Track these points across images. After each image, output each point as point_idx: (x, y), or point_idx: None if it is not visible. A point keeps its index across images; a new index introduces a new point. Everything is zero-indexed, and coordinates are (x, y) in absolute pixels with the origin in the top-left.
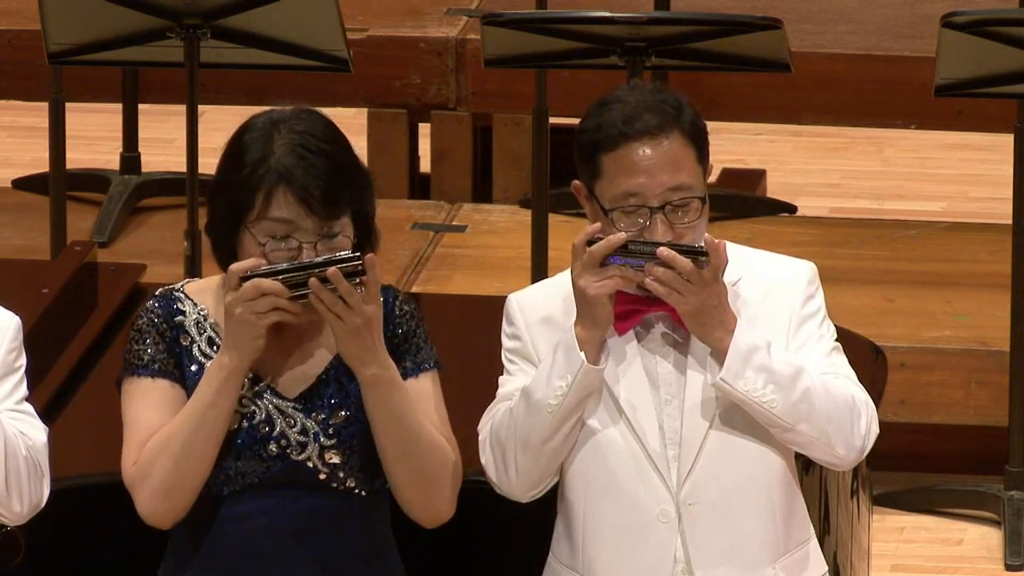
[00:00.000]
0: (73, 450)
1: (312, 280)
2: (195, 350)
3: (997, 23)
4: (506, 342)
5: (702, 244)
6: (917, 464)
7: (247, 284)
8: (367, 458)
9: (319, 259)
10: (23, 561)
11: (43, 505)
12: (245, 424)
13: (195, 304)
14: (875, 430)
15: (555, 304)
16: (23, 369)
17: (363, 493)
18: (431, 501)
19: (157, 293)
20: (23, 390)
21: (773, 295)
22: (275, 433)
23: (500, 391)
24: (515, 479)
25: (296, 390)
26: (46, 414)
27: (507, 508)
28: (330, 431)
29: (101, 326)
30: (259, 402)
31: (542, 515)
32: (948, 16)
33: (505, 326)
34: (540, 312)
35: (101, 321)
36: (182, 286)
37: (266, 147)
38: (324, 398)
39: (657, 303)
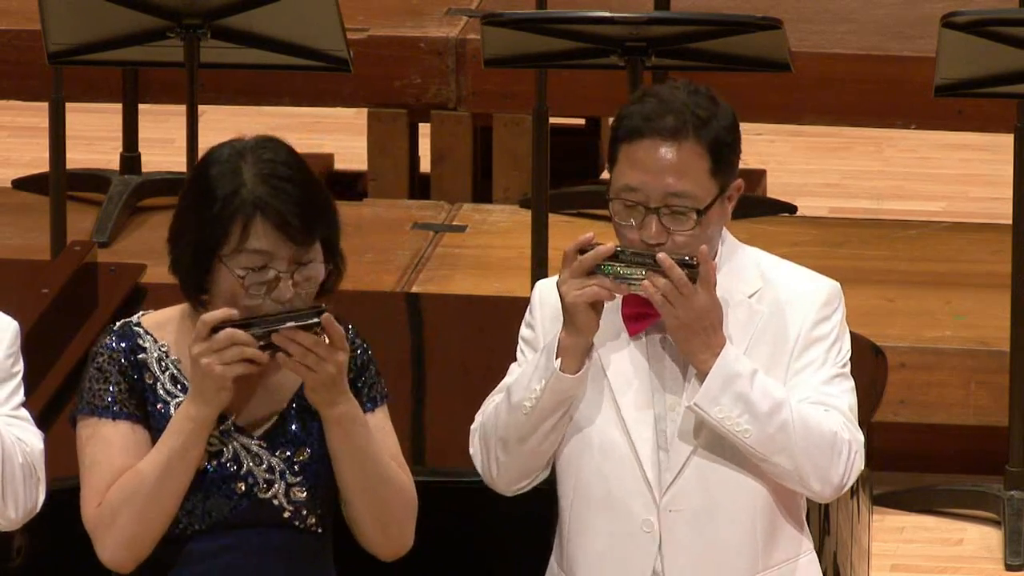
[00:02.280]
0: (72, 451)
1: (280, 339)
2: (159, 388)
3: (997, 23)
4: (522, 329)
5: (689, 256)
6: (917, 464)
7: (221, 334)
8: (326, 496)
9: (289, 312)
10: (22, 561)
11: (38, 510)
12: (213, 463)
13: (155, 340)
14: (859, 466)
15: None
16: (20, 375)
17: (319, 531)
18: (392, 535)
19: (114, 329)
20: (20, 395)
21: (787, 312)
22: (242, 471)
23: (503, 380)
24: (496, 474)
25: (260, 427)
26: (45, 414)
27: (508, 507)
28: (295, 468)
29: (101, 326)
30: (226, 441)
31: (543, 514)
32: (948, 16)
33: (527, 313)
34: (557, 306)
35: (101, 321)
36: (139, 320)
37: (236, 179)
38: (287, 435)
39: None
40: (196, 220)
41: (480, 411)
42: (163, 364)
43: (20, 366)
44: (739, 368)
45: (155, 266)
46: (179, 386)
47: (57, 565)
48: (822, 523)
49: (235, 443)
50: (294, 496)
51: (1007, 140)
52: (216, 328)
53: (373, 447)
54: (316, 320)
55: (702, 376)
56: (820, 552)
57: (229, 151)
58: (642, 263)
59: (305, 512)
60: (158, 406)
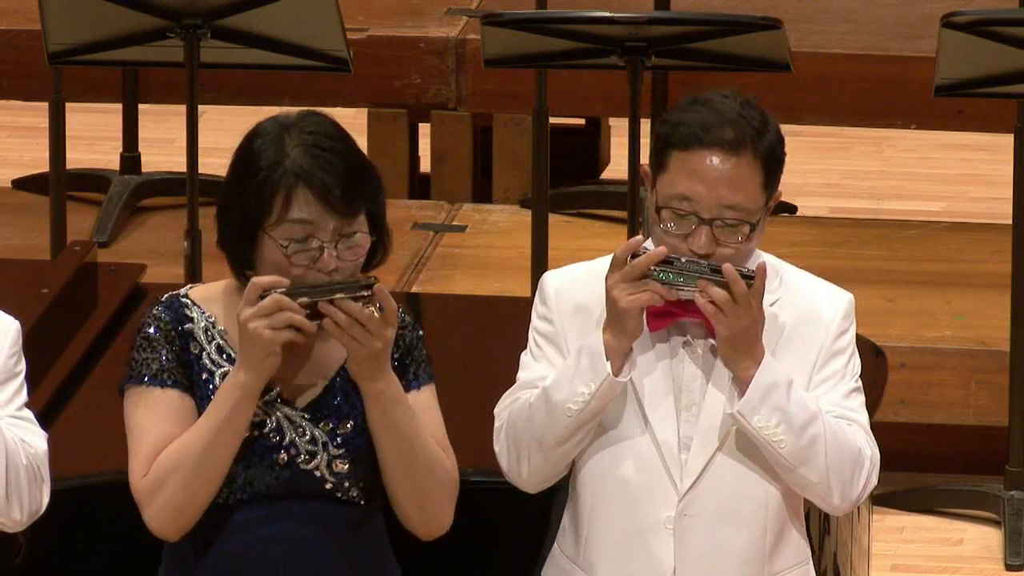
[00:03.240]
0: (72, 451)
1: (326, 307)
2: (205, 358)
3: (997, 23)
4: (536, 322)
5: (749, 268)
6: (917, 464)
7: (267, 299)
8: (369, 468)
9: (339, 282)
10: (22, 561)
11: (42, 511)
12: (256, 433)
13: (202, 311)
14: (873, 482)
15: (594, 296)
16: (23, 374)
17: (363, 503)
18: (428, 515)
19: (162, 300)
20: (23, 396)
21: (808, 324)
22: (285, 442)
23: (521, 375)
24: (526, 474)
25: (305, 399)
26: (46, 415)
27: (507, 507)
28: (338, 440)
29: (101, 326)
30: (270, 411)
31: (541, 514)
32: (948, 16)
33: (538, 305)
34: (576, 300)
35: (101, 321)
36: (186, 292)
37: (279, 150)
38: (332, 407)
39: (694, 309)
40: (240, 192)
41: (500, 409)
42: (209, 334)
43: (23, 366)
44: (778, 379)
45: (155, 266)
46: (225, 356)
47: (58, 564)
48: (822, 523)
49: (278, 414)
50: (336, 468)
51: (1007, 140)
52: (265, 294)
53: (411, 426)
54: (367, 293)
55: (743, 383)
56: (820, 552)
57: (273, 124)
58: (695, 271)
59: (347, 484)
60: (203, 376)
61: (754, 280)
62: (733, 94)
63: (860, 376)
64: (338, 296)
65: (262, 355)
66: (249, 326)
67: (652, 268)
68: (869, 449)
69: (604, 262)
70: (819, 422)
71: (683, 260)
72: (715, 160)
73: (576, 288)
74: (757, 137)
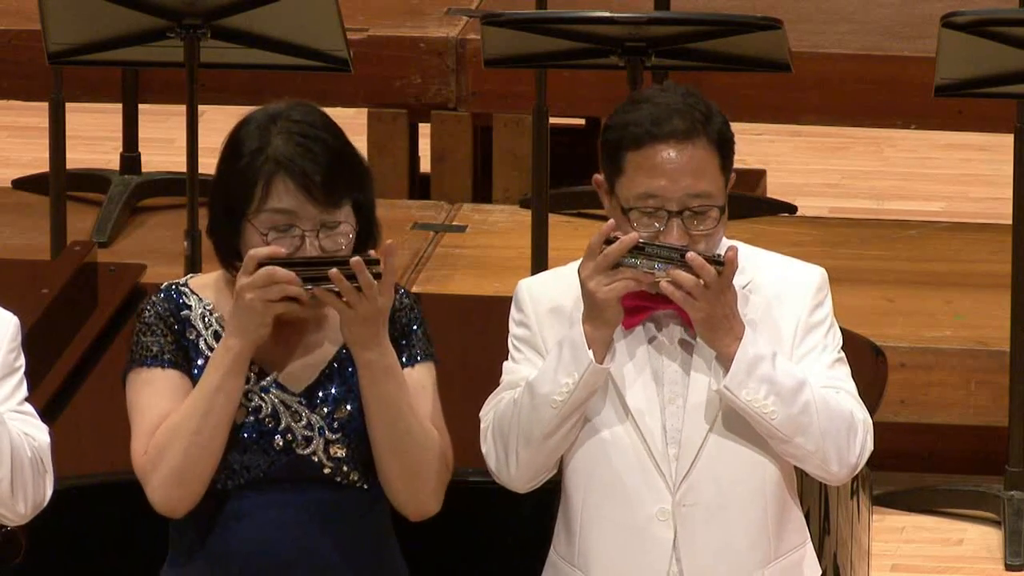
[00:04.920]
0: (73, 450)
1: (333, 271)
2: (201, 344)
3: (997, 23)
4: (514, 328)
5: (718, 253)
6: (917, 464)
7: (261, 271)
8: (369, 452)
9: (339, 256)
10: (23, 561)
11: (46, 503)
12: (251, 418)
13: (200, 298)
14: (869, 447)
15: (567, 295)
16: (23, 369)
17: (364, 487)
18: (416, 493)
19: (161, 288)
20: (24, 390)
21: (782, 301)
22: (281, 427)
23: (504, 378)
24: (515, 471)
25: (301, 384)
26: (46, 414)
27: (506, 506)
28: (335, 425)
29: (101, 326)
30: (265, 396)
31: (540, 513)
32: (948, 16)
33: (514, 312)
34: (551, 302)
35: (101, 321)
36: (185, 281)
37: (263, 138)
38: (328, 392)
39: (667, 301)
40: (224, 178)
41: (486, 411)
42: (207, 320)
43: (22, 361)
44: (762, 351)
45: (155, 266)
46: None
47: (59, 564)
48: (822, 523)
49: (274, 399)
50: (333, 453)
51: (1007, 140)
52: (262, 264)
53: (403, 400)
54: (375, 266)
55: (726, 359)
56: (820, 552)
57: (262, 114)
58: (666, 257)
59: (346, 468)
60: (199, 361)
61: (723, 266)
62: (671, 86)
63: (853, 369)
64: (333, 271)
65: (255, 324)
66: (245, 296)
67: (624, 256)
68: (861, 413)
69: (575, 266)
70: (808, 389)
71: (654, 245)
72: (672, 152)
73: (549, 290)
74: (706, 122)
